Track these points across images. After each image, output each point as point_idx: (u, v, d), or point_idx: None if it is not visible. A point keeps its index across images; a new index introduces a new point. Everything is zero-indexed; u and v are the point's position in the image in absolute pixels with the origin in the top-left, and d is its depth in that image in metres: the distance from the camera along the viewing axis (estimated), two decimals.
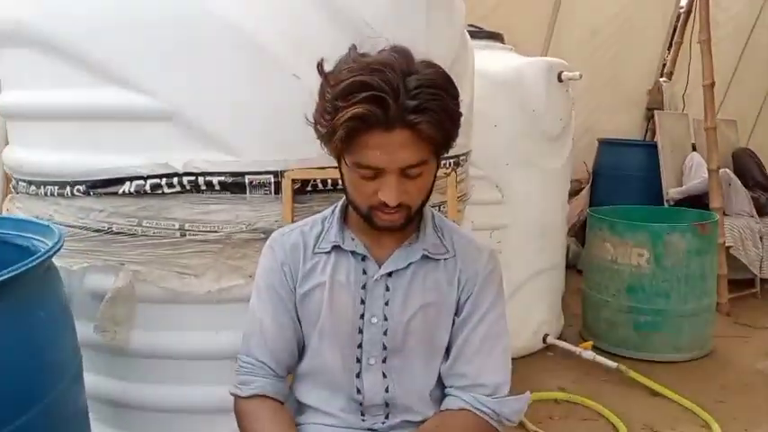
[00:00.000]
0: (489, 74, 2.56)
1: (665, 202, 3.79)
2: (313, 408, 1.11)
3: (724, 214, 3.54)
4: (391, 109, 0.88)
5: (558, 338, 2.87)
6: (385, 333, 1.07)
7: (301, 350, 1.13)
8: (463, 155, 1.97)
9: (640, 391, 2.47)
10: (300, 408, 1.14)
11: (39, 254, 1.02)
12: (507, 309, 2.63)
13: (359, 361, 1.08)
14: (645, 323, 2.77)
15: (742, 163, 4.29)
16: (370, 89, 0.87)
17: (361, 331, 1.07)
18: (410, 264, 1.07)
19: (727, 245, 3.45)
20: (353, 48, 0.96)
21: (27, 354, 0.99)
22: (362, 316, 1.07)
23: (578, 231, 4.28)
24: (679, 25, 5.21)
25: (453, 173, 1.60)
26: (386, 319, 1.06)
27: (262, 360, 1.09)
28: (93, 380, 1.51)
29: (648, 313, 2.77)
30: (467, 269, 1.08)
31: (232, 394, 1.09)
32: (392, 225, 0.99)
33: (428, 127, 0.90)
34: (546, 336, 2.80)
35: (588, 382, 2.56)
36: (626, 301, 2.80)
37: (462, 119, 2.02)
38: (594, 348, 2.74)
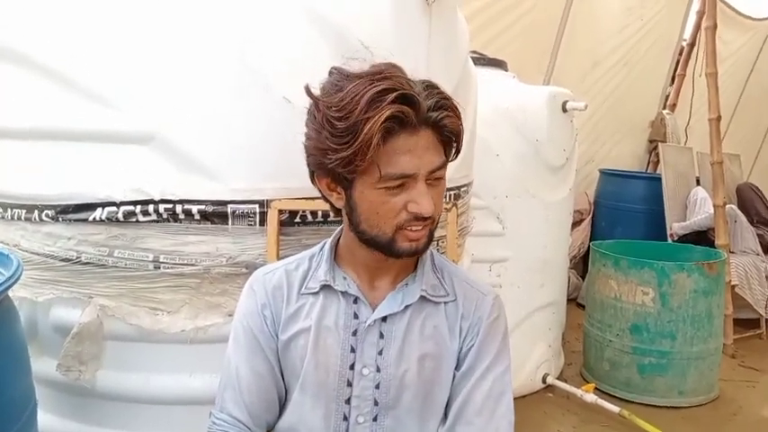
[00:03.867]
0: (492, 102, 2.49)
1: (668, 237, 3.69)
2: None
3: (729, 252, 3.45)
4: (420, 108, 0.85)
5: (558, 378, 2.75)
6: (377, 387, 0.95)
7: (283, 404, 1.01)
8: (464, 186, 1.87)
9: None
10: None
11: None
12: None
13: (346, 419, 0.96)
14: (649, 365, 2.64)
15: (746, 198, 4.21)
16: (394, 90, 0.83)
17: (350, 384, 0.96)
18: (407, 307, 0.96)
19: (732, 283, 3.35)
20: (337, 68, 0.90)
21: None
22: (352, 366, 0.95)
23: (578, 263, 4.18)
24: (682, 58, 5.19)
25: (454, 207, 1.49)
26: (378, 371, 0.95)
27: (235, 416, 0.98)
28: (56, 422, 1.39)
29: (653, 354, 2.64)
30: (469, 315, 0.99)
31: None
32: (417, 246, 0.91)
33: (451, 122, 0.88)
34: (546, 375, 2.67)
35: (590, 428, 2.44)
36: (629, 342, 2.68)
37: (465, 146, 1.93)
38: (596, 391, 2.61)
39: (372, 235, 0.90)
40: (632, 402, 2.61)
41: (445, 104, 0.87)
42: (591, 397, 2.48)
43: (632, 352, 2.67)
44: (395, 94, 0.82)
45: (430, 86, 0.88)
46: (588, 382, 2.72)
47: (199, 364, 1.30)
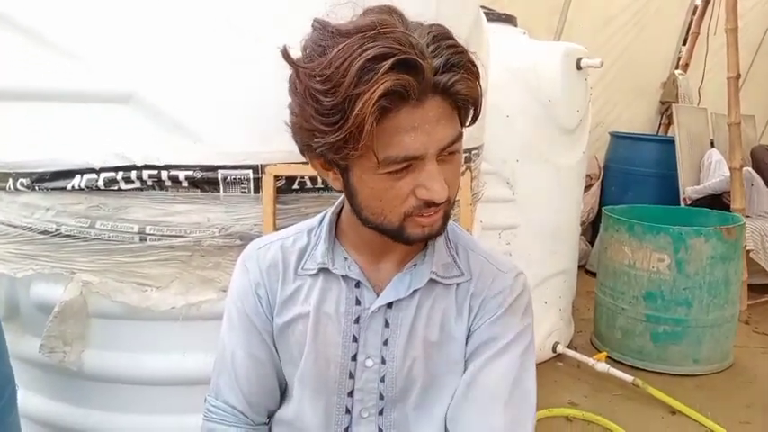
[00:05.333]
0: (501, 59, 2.33)
1: (681, 201, 3.58)
2: None
3: (745, 216, 3.34)
4: (426, 74, 0.67)
5: (569, 346, 2.69)
6: (382, 379, 0.85)
7: (284, 391, 0.92)
8: (475, 149, 1.76)
9: (658, 407, 2.28)
10: None
11: None
12: None
13: (348, 412, 0.86)
14: (663, 333, 2.57)
15: (761, 160, 4.07)
16: (392, 56, 0.65)
17: (352, 376, 0.85)
18: (414, 291, 0.84)
19: (747, 248, 3.25)
20: (320, 22, 0.71)
21: None
22: (355, 357, 0.85)
23: (587, 229, 4.09)
24: (696, 15, 4.98)
25: (468, 170, 1.37)
26: (384, 362, 0.85)
27: (232, 404, 0.90)
28: (43, 403, 1.31)
29: (668, 322, 2.56)
30: (481, 293, 0.85)
31: None
32: (431, 232, 0.77)
33: (464, 87, 0.70)
34: (556, 344, 2.60)
35: (601, 396, 2.37)
36: (643, 309, 2.60)
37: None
38: (608, 359, 2.55)
39: (377, 223, 0.77)
40: (645, 371, 2.55)
41: (458, 62, 0.69)
42: (603, 366, 2.41)
43: (646, 320, 2.59)
44: (392, 60, 0.65)
45: (438, 37, 0.69)
46: (599, 351, 2.66)
47: (192, 343, 1.22)
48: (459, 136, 0.73)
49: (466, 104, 0.73)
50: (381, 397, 0.85)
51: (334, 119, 0.67)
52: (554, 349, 2.60)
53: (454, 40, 0.71)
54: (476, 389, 0.83)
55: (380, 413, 0.86)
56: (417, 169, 0.71)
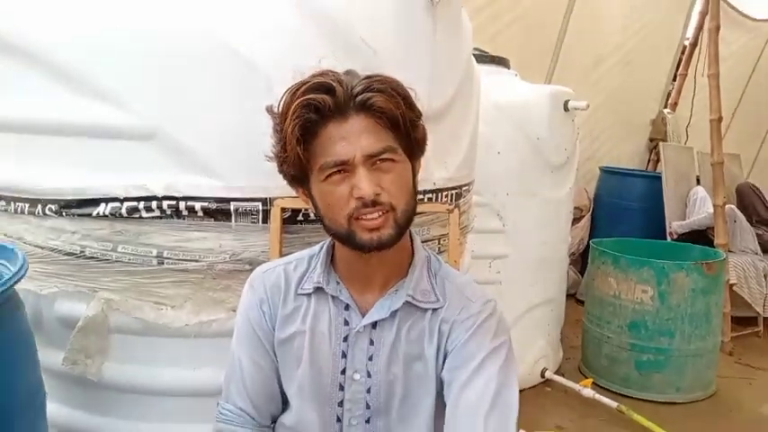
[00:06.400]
0: (493, 99, 2.50)
1: (667, 236, 3.71)
2: None
3: (728, 251, 3.46)
4: (338, 92, 0.85)
5: (557, 372, 2.78)
6: (368, 391, 0.97)
7: (285, 400, 1.03)
8: (466, 185, 1.88)
9: None
10: None
11: None
12: None
13: (339, 420, 0.97)
14: (647, 362, 2.67)
15: (746, 198, 4.22)
16: (310, 81, 0.86)
17: (342, 388, 0.97)
18: (394, 313, 0.95)
19: (731, 282, 3.36)
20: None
21: None
22: (344, 371, 0.97)
23: (578, 259, 4.20)
24: (684, 57, 5.19)
25: (456, 209, 1.50)
26: (369, 376, 0.96)
27: (240, 407, 1.01)
28: (65, 412, 1.41)
29: (651, 351, 2.67)
30: (449, 319, 0.95)
31: None
32: (380, 237, 0.87)
33: (380, 102, 0.85)
34: (544, 370, 2.69)
35: (587, 421, 2.46)
36: (628, 338, 2.71)
37: (467, 145, 1.90)
38: (594, 386, 2.64)
39: (334, 230, 0.90)
40: (630, 397, 2.64)
41: (374, 87, 0.85)
42: (589, 391, 2.50)
43: (630, 348, 2.70)
44: (307, 85, 0.85)
45: (370, 77, 0.87)
46: (586, 378, 2.74)
47: (203, 359, 1.32)
48: (389, 148, 0.87)
49: (393, 121, 0.87)
50: (368, 407, 0.97)
51: (277, 138, 0.89)
52: (542, 375, 2.69)
53: (378, 76, 0.87)
54: (460, 407, 0.91)
55: (367, 422, 0.97)
56: (351, 174, 0.86)
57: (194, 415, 1.30)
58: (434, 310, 0.96)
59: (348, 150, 0.85)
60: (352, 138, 0.85)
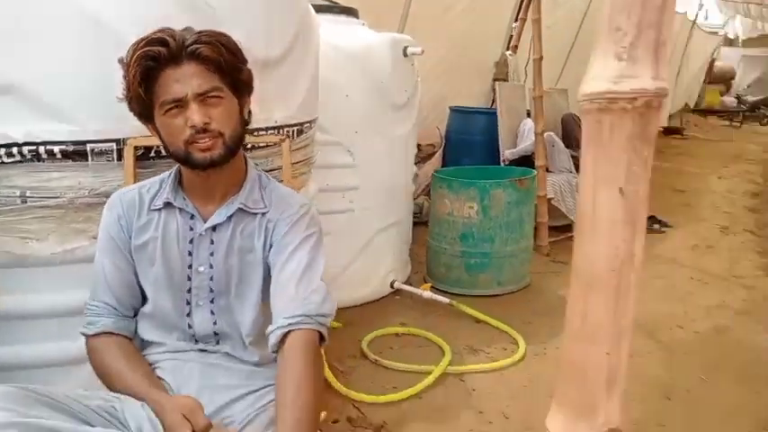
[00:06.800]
0: (342, 47, 2.77)
1: (501, 162, 4.35)
2: (154, 342, 1.27)
3: (547, 171, 4.17)
4: (171, 44, 1.09)
5: (406, 283, 3.28)
6: (211, 279, 1.22)
7: (143, 293, 1.26)
8: (307, 122, 2.19)
9: (467, 320, 2.95)
10: (143, 344, 1.29)
11: None
12: (359, 261, 2.94)
13: (189, 303, 1.24)
14: (474, 264, 3.27)
15: (568, 126, 5.00)
16: (149, 37, 1.09)
17: (189, 279, 1.23)
18: (230, 218, 1.21)
19: (548, 197, 4.09)
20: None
21: None
22: (191, 266, 1.22)
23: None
24: (524, 3, 5.78)
25: (288, 139, 1.85)
26: (211, 267, 1.22)
27: (105, 301, 1.22)
28: None
29: (477, 256, 3.26)
30: (274, 218, 1.23)
31: (82, 334, 1.22)
32: (212, 156, 1.12)
33: (207, 51, 1.10)
34: (393, 282, 3.18)
35: (426, 317, 2.98)
36: (459, 247, 3.28)
37: (307, 88, 2.22)
38: (433, 289, 3.19)
39: (176, 154, 1.15)
40: (463, 296, 3.19)
41: (202, 39, 1.10)
42: (428, 293, 3.04)
43: (461, 255, 3.27)
44: (146, 40, 1.09)
45: (201, 32, 1.11)
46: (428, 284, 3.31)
47: (71, 282, 1.47)
48: (217, 88, 1.13)
49: (213, 64, 1.11)
50: (211, 291, 1.23)
51: (125, 84, 1.12)
52: (392, 285, 3.16)
53: (210, 32, 1.12)
54: (280, 279, 1.19)
55: (212, 302, 1.24)
56: (185, 108, 1.11)
57: (61, 334, 1.48)
58: (263, 214, 1.23)
59: (181, 90, 1.09)
60: (184, 80, 1.09)
